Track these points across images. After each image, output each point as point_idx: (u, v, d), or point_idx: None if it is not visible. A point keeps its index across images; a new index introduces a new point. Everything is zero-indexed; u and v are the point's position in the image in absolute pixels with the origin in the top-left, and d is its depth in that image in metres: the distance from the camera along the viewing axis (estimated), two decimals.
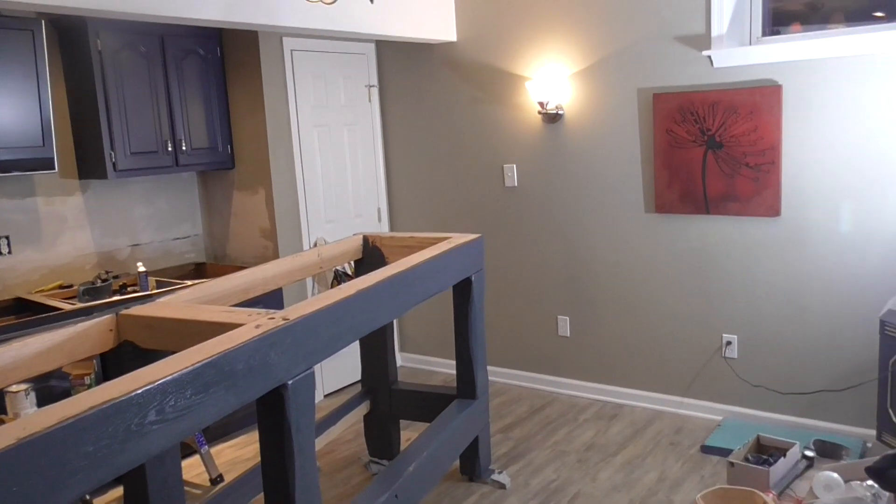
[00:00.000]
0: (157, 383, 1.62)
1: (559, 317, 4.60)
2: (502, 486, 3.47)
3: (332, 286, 4.60)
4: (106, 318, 2.21)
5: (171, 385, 1.66)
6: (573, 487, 3.45)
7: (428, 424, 3.29)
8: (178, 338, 2.15)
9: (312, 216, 4.69)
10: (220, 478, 3.66)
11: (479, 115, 4.69)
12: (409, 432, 3.91)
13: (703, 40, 3.82)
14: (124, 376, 1.64)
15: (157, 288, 4.03)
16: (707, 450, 3.70)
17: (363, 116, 5.03)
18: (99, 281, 3.87)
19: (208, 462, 3.63)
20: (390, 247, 3.58)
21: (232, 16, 3.46)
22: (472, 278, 3.38)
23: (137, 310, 2.26)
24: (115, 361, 2.25)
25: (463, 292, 3.40)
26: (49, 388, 3.33)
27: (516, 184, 4.61)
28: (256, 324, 2.04)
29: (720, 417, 4.05)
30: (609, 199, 4.27)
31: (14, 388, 2.82)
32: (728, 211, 3.85)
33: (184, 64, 4.26)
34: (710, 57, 3.79)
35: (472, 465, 3.53)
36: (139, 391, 1.56)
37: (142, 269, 4.00)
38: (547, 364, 4.71)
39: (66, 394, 3.27)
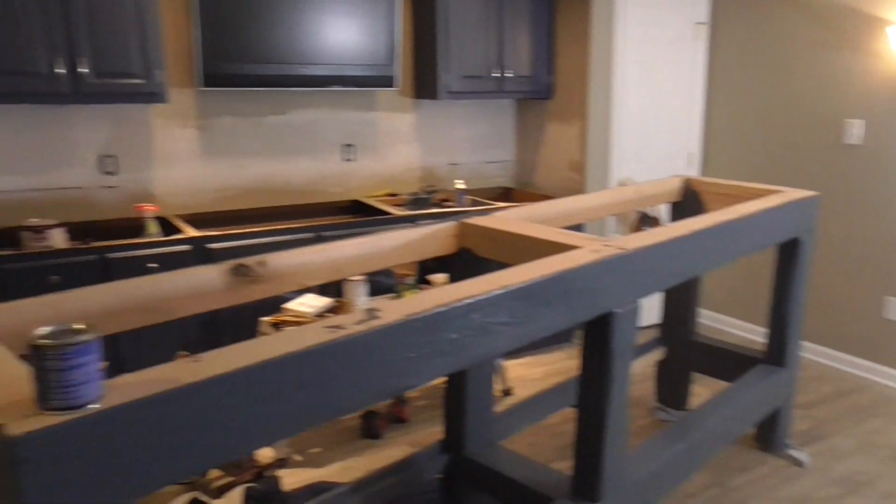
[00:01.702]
0: (509, 288, 1.71)
1: (887, 297, 4.08)
2: (799, 464, 3.23)
3: (634, 228, 4.53)
4: (450, 225, 2.38)
5: (520, 292, 1.75)
6: (885, 485, 3.10)
7: (722, 382, 3.15)
8: (514, 251, 2.26)
9: (621, 154, 4.61)
10: (510, 391, 3.85)
11: (819, 61, 4.21)
12: (699, 387, 3.79)
13: None
14: (480, 277, 1.76)
15: (471, 206, 4.27)
16: None
17: (687, 55, 4.77)
18: (423, 193, 4.20)
19: (500, 375, 3.84)
20: (711, 193, 3.40)
21: None
22: (801, 239, 3.11)
23: (477, 220, 2.40)
24: (454, 265, 2.42)
25: (789, 253, 3.15)
26: (377, 282, 3.72)
27: (861, 142, 4.10)
28: (593, 248, 2.06)
29: None
30: None
31: (354, 277, 3.18)
32: None
33: None
34: None
35: (769, 435, 3.33)
36: (497, 292, 1.67)
37: (460, 186, 4.26)
38: (863, 347, 4.23)
39: (389, 289, 3.63)
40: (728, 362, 3.44)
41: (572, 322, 1.98)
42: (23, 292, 3.04)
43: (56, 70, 3.18)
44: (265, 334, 3.21)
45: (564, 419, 3.40)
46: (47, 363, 1.01)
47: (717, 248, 2.57)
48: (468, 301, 1.60)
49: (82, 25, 3.21)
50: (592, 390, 2.14)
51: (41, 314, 1.52)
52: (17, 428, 0.99)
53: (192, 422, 1.16)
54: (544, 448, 3.37)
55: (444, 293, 1.62)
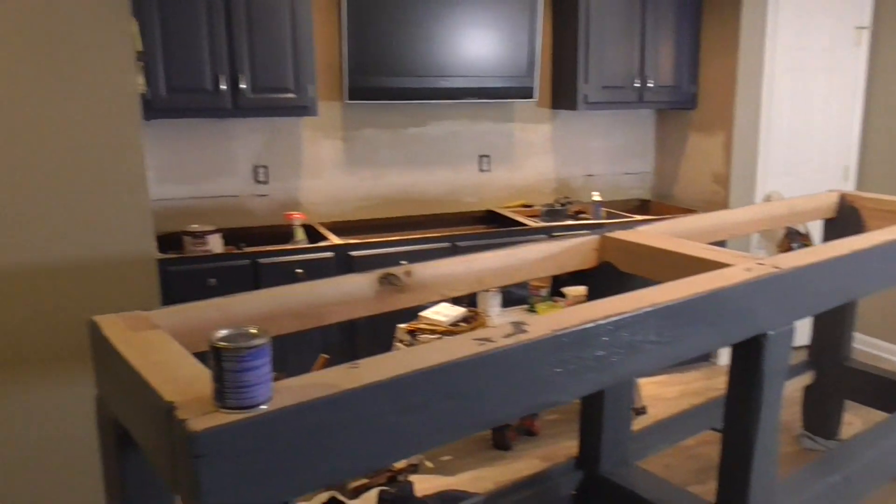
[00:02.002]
0: (658, 306, 1.67)
1: None
2: None
3: (782, 245, 4.29)
4: (592, 238, 2.35)
5: (670, 310, 1.70)
6: None
7: (879, 413, 2.93)
8: (659, 266, 2.20)
9: (769, 167, 4.39)
10: (643, 409, 3.75)
11: None
12: (851, 416, 3.53)
13: None
14: (629, 294, 1.73)
15: (607, 218, 4.20)
16: None
17: (844, 62, 4.48)
18: (558, 205, 4.17)
19: (635, 392, 3.74)
20: (870, 210, 3.17)
21: None
22: None
23: (620, 234, 2.36)
24: (594, 279, 2.39)
25: None
26: (510, 292, 3.73)
27: None
28: (746, 266, 1.97)
29: None
30: None
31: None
32: None
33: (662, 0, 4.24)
34: None
35: None
36: (646, 310, 1.63)
37: (597, 198, 4.20)
38: None
39: (522, 300, 3.63)
40: (886, 391, 3.19)
41: (723, 343, 1.91)
42: (184, 293, 3.27)
43: (220, 87, 3.42)
44: (401, 340, 3.29)
45: (702, 441, 3.27)
46: (225, 364, 1.08)
47: (880, 270, 2.39)
48: (616, 318, 1.57)
49: (244, 45, 3.43)
50: (740, 414, 2.05)
51: (210, 316, 1.63)
52: (198, 424, 1.07)
53: (350, 427, 1.21)
54: (681, 470, 3.25)
55: (591, 308, 1.60)
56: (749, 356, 2.00)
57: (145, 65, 3.19)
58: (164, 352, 1.36)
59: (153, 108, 3.31)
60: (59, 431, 2.62)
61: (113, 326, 1.48)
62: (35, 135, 2.50)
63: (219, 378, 1.10)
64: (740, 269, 1.96)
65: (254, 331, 1.12)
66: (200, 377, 1.22)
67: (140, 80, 2.74)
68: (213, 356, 1.09)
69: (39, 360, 2.60)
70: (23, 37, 2.44)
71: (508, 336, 1.44)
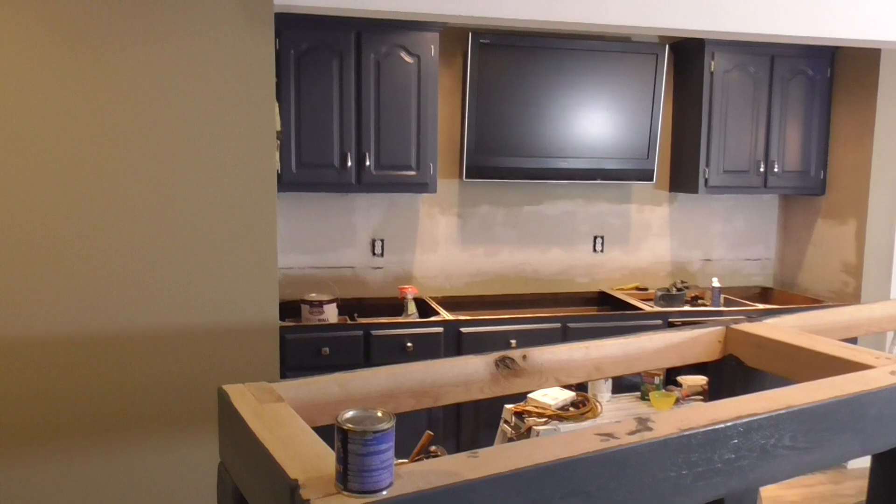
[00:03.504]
0: (794, 409, 1.56)
1: None
2: None
3: None
4: (716, 330, 2.25)
5: (805, 413, 1.59)
6: None
7: None
8: (790, 364, 2.07)
9: None
10: None
11: None
12: None
13: None
14: (759, 394, 1.63)
15: (726, 306, 4.03)
16: None
17: None
18: (674, 289, 4.05)
19: (758, 496, 3.49)
20: None
21: (849, 32, 3.25)
22: None
23: (747, 327, 2.25)
24: (718, 372, 2.29)
25: None
26: (619, 379, 3.61)
27: None
28: (890, 369, 1.83)
29: None
30: None
31: None
32: None
33: (790, 84, 4.15)
34: None
35: None
36: (781, 412, 1.53)
37: (716, 284, 4.05)
38: None
39: (634, 387, 3.51)
40: None
41: (864, 452, 1.76)
42: (300, 360, 3.36)
43: (347, 163, 3.58)
44: (507, 421, 3.23)
45: None
46: (351, 446, 1.08)
47: None
48: (748, 419, 1.49)
49: (371, 125, 3.60)
50: None
51: (331, 391, 1.66)
52: None
53: None
54: None
55: (721, 408, 1.52)
56: (892, 465, 1.83)
57: (280, 143, 3.39)
58: (289, 426, 1.38)
59: (283, 182, 3.49)
60: (180, 493, 2.71)
61: (241, 397, 1.53)
62: (179, 207, 2.69)
63: (343, 459, 1.10)
64: (884, 371, 1.82)
65: (380, 414, 1.13)
66: (324, 456, 1.23)
67: (276, 157, 2.91)
68: (340, 437, 1.10)
69: (164, 422, 2.71)
70: (179, 115, 2.66)
71: (633, 433, 1.38)
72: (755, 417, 1.50)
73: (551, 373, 2.01)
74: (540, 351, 1.99)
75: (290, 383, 1.65)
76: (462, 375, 1.87)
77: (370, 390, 1.72)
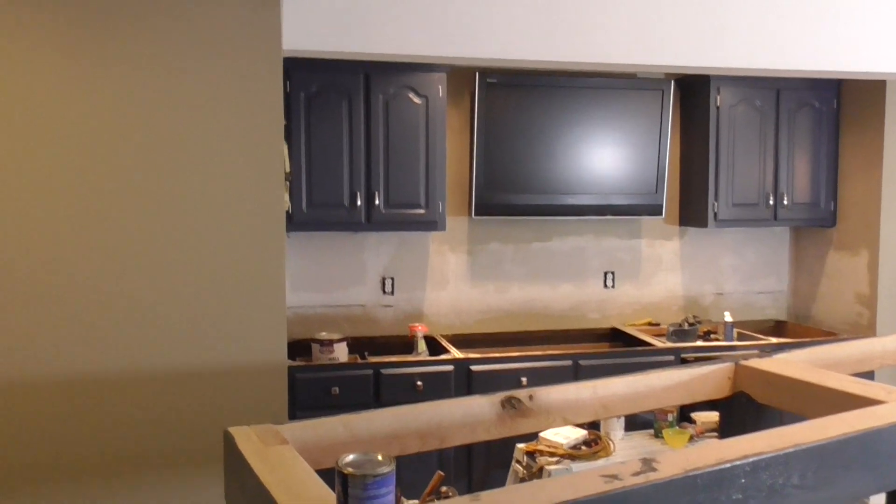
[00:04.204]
0: (803, 446, 1.55)
1: None
2: None
3: None
4: (726, 366, 2.23)
5: (812, 451, 1.57)
6: None
7: None
8: (800, 400, 2.05)
9: None
10: None
11: None
12: None
13: None
14: (766, 432, 1.62)
15: (739, 340, 4.00)
16: None
17: None
18: (686, 324, 4.02)
19: None
20: None
21: (855, 65, 3.28)
22: None
23: (757, 363, 2.23)
24: (727, 410, 2.26)
25: None
26: (632, 416, 3.58)
27: None
28: None
29: None
30: None
31: None
32: None
33: (796, 117, 4.16)
34: None
35: None
36: (789, 450, 1.51)
37: (728, 318, 4.03)
38: None
39: (647, 424, 3.47)
40: None
41: (878, 489, 1.74)
42: (310, 399, 3.35)
43: (357, 203, 3.62)
44: (518, 461, 3.20)
45: None
46: (351, 490, 1.09)
47: None
48: (755, 458, 1.47)
49: (380, 165, 3.65)
50: None
51: (337, 432, 1.66)
52: None
53: None
54: None
55: (727, 446, 1.51)
56: None
57: (290, 183, 3.44)
58: (292, 469, 1.39)
59: (294, 222, 3.53)
60: None
61: (246, 440, 1.54)
62: (188, 246, 2.72)
63: (344, 503, 1.10)
64: (895, 406, 1.80)
65: (380, 458, 1.13)
66: (326, 499, 1.23)
67: (285, 197, 2.95)
68: (340, 481, 1.11)
69: (170, 463, 2.71)
70: (189, 156, 2.71)
71: (637, 474, 1.37)
72: (762, 456, 1.48)
73: (559, 412, 2.00)
74: (547, 390, 1.98)
75: (296, 425, 1.65)
76: (468, 416, 1.86)
77: (375, 432, 1.72)
